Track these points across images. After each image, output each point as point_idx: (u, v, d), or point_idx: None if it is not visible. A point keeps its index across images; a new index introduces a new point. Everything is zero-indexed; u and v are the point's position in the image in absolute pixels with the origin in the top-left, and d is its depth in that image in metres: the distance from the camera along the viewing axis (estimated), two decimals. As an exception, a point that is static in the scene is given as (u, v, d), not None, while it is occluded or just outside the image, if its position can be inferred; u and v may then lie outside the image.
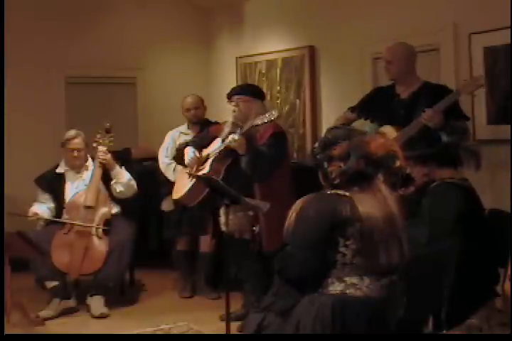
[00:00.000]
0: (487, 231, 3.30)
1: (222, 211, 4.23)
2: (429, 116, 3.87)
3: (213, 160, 4.28)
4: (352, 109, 4.50)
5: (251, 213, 4.16)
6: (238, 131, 4.20)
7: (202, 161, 4.39)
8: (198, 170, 4.36)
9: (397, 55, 4.22)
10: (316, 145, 2.67)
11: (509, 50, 4.23)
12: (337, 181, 2.56)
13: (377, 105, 4.34)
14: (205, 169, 4.29)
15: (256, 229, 4.17)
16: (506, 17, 4.13)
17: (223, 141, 4.30)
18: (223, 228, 4.25)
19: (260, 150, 4.16)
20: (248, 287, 4.41)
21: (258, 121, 4.05)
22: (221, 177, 4.20)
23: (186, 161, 4.45)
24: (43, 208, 4.88)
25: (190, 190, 4.38)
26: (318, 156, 2.62)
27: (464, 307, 3.14)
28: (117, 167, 4.94)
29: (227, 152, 4.24)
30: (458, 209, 3.20)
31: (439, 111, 3.87)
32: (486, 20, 4.36)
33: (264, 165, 4.14)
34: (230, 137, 4.16)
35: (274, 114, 4.02)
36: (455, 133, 3.78)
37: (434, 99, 3.98)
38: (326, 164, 2.59)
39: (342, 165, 2.55)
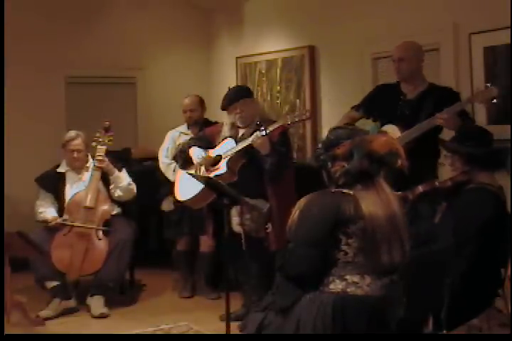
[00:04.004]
0: (502, 237, 3.28)
1: (234, 211, 4.21)
2: (445, 118, 3.83)
3: (229, 161, 4.23)
4: (356, 108, 4.45)
5: (265, 211, 4.15)
6: (262, 130, 4.10)
7: (211, 162, 4.34)
8: (208, 170, 4.32)
9: (409, 53, 4.16)
10: (319, 146, 2.67)
11: (509, 50, 4.23)
12: (342, 181, 2.56)
13: (382, 103, 4.28)
14: (221, 169, 4.23)
15: (269, 227, 4.16)
16: (506, 17, 4.13)
17: (237, 141, 4.25)
18: (237, 228, 4.23)
19: (282, 150, 4.15)
20: (248, 288, 4.41)
21: (289, 121, 4.01)
22: (236, 177, 4.18)
23: (195, 161, 4.39)
24: (55, 212, 4.88)
25: (199, 193, 4.26)
26: (321, 157, 2.62)
27: (468, 309, 3.14)
28: (116, 172, 4.92)
29: (244, 152, 4.20)
30: (487, 217, 3.18)
31: (453, 113, 3.85)
32: (486, 20, 4.36)
33: (285, 165, 4.18)
34: (254, 136, 4.09)
35: (306, 113, 4.02)
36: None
37: (439, 101, 3.97)
38: (329, 164, 2.59)
39: (346, 164, 2.55)
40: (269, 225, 4.16)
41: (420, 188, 3.54)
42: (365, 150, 2.52)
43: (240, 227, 4.17)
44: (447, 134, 4.02)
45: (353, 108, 4.50)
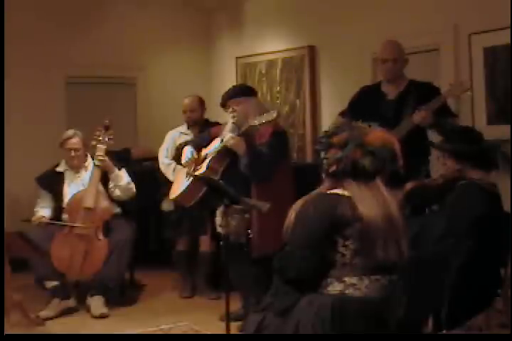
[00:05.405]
0: (499, 235, 3.29)
1: (219, 212, 4.21)
2: (422, 117, 3.88)
3: (210, 160, 4.23)
4: (342, 114, 4.44)
5: (247, 216, 4.13)
6: (236, 131, 4.17)
7: (200, 161, 4.36)
8: (195, 169, 4.33)
9: (400, 53, 4.17)
10: (321, 135, 2.71)
11: (509, 50, 4.24)
12: (332, 169, 2.56)
13: (365, 106, 4.23)
14: (202, 169, 4.23)
15: (251, 233, 4.12)
16: (506, 17, 4.14)
17: (222, 141, 4.26)
18: (219, 229, 4.23)
19: (260, 151, 4.11)
20: (242, 291, 4.40)
21: (256, 121, 4.01)
22: (219, 177, 4.18)
23: (183, 161, 4.42)
24: (47, 212, 4.88)
25: (185, 190, 4.31)
26: (318, 145, 2.64)
27: (468, 309, 3.14)
28: (116, 170, 4.92)
29: (226, 152, 4.19)
30: (479, 212, 3.18)
31: (429, 111, 3.89)
32: (486, 21, 4.36)
33: (264, 166, 4.09)
34: (227, 136, 4.13)
35: (273, 113, 3.98)
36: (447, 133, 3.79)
37: (420, 97, 3.99)
38: (324, 152, 2.61)
39: (339, 152, 2.56)
40: (251, 231, 4.12)
41: (408, 186, 3.57)
42: (360, 141, 2.54)
43: (221, 229, 4.13)
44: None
45: (340, 114, 4.50)
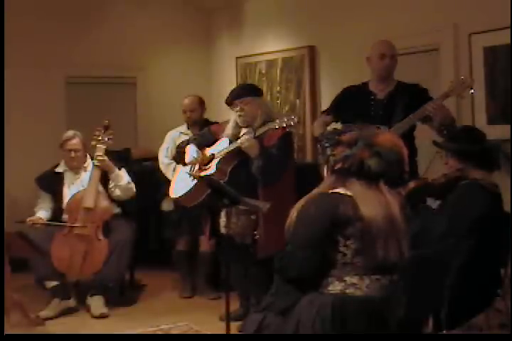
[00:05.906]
0: (499, 236, 3.29)
1: (223, 213, 4.20)
2: (434, 108, 3.83)
3: (219, 161, 4.21)
4: (326, 112, 4.43)
5: (254, 217, 4.12)
6: (251, 132, 4.13)
7: (205, 161, 4.35)
8: (201, 169, 4.30)
9: (395, 51, 4.17)
10: (328, 132, 2.71)
11: (509, 50, 4.23)
12: (338, 166, 2.56)
13: (353, 106, 4.21)
14: (211, 169, 4.21)
15: (257, 235, 4.11)
16: (506, 17, 4.13)
17: (231, 141, 4.22)
18: (223, 230, 4.22)
19: (271, 153, 4.10)
20: (243, 291, 4.40)
21: (276, 125, 4.00)
22: (227, 178, 4.16)
23: (187, 160, 4.40)
24: (44, 213, 4.89)
25: (191, 190, 4.27)
26: (325, 141, 2.64)
27: (467, 308, 3.15)
28: (116, 170, 4.92)
29: (235, 153, 4.17)
30: (480, 212, 3.18)
31: (441, 103, 3.86)
32: (486, 21, 4.36)
33: (275, 168, 4.10)
34: (243, 138, 4.10)
35: (294, 119, 3.97)
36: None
37: (410, 99, 3.99)
38: (331, 149, 2.61)
39: (347, 151, 2.57)
40: (257, 232, 4.10)
41: (412, 184, 3.57)
42: (369, 141, 2.54)
43: (225, 229, 4.12)
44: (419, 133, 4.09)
45: (323, 112, 4.49)
